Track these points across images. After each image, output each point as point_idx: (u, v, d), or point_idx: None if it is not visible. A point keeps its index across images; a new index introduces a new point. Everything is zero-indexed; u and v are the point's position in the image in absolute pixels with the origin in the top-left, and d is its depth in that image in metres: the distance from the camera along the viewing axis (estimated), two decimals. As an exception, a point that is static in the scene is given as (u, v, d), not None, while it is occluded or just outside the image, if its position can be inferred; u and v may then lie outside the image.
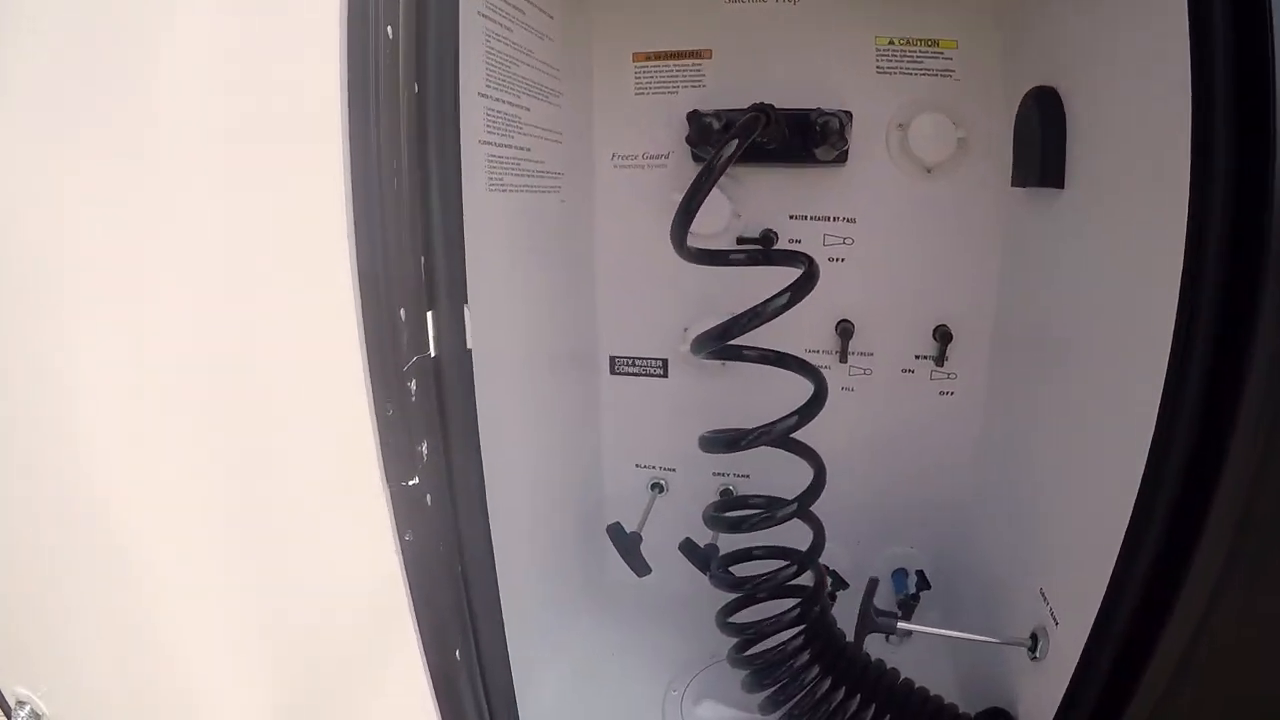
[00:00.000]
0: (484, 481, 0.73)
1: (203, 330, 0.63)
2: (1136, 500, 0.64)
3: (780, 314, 0.86)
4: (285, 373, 0.63)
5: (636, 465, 1.28)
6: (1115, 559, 0.67)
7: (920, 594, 1.17)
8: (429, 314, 0.64)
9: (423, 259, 0.62)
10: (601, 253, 1.20)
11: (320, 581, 0.70)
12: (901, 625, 0.92)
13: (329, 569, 0.69)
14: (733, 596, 1.00)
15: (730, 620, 0.99)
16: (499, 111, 0.88)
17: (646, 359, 1.23)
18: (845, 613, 0.99)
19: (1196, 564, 0.62)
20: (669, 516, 1.21)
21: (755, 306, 0.86)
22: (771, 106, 0.95)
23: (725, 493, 1.23)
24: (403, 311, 0.60)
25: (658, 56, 1.12)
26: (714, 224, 1.11)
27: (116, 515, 0.74)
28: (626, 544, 1.10)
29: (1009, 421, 1.07)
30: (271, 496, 0.68)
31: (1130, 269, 0.70)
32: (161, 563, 0.74)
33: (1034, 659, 0.88)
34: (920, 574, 1.19)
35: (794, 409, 0.91)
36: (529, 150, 0.95)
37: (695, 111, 1.06)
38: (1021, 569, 0.99)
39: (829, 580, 1.17)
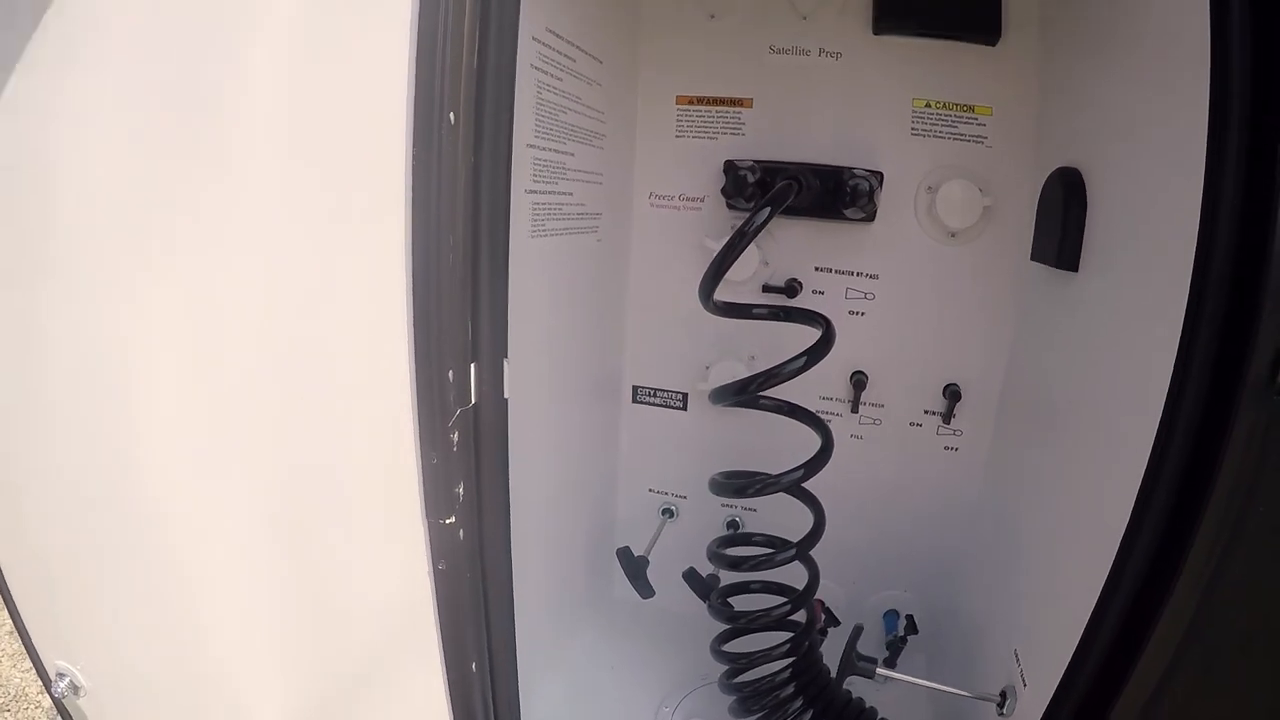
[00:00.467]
0: (509, 515, 0.79)
1: (276, 362, 0.70)
2: (1105, 583, 0.69)
3: (798, 375, 0.91)
4: (348, 414, 0.69)
5: (650, 490, 1.33)
6: (1081, 634, 0.72)
7: (908, 637, 1.21)
8: (472, 366, 0.71)
9: (469, 319, 0.69)
10: (634, 287, 1.24)
11: (356, 592, 0.77)
12: (880, 672, 0.97)
13: (366, 584, 0.77)
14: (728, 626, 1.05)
15: (723, 649, 1.04)
16: (545, 160, 0.92)
17: (668, 391, 1.27)
18: (836, 647, 1.04)
19: (1148, 655, 0.67)
20: (677, 542, 1.26)
21: (774, 367, 0.91)
22: (802, 177, 0.99)
23: (732, 524, 1.28)
24: (451, 373, 0.67)
25: (700, 101, 1.15)
26: (742, 272, 1.15)
27: (166, 507, 0.81)
28: (634, 568, 1.15)
29: (1005, 483, 1.10)
30: (320, 513, 0.75)
31: (1127, 359, 0.74)
32: (208, 558, 0.81)
33: (1001, 715, 0.92)
34: (910, 619, 1.23)
35: (801, 462, 0.96)
36: (571, 195, 1.00)
37: (731, 162, 1.10)
38: (1001, 627, 1.04)
39: (822, 617, 1.22)
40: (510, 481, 0.90)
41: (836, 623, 1.22)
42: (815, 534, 1.01)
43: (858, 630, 1.01)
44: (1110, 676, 0.71)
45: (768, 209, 0.88)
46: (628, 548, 1.17)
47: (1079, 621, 0.72)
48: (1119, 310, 0.78)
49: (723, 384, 0.93)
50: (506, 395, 0.75)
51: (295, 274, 0.67)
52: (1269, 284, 0.57)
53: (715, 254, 0.88)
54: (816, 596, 1.26)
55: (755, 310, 0.97)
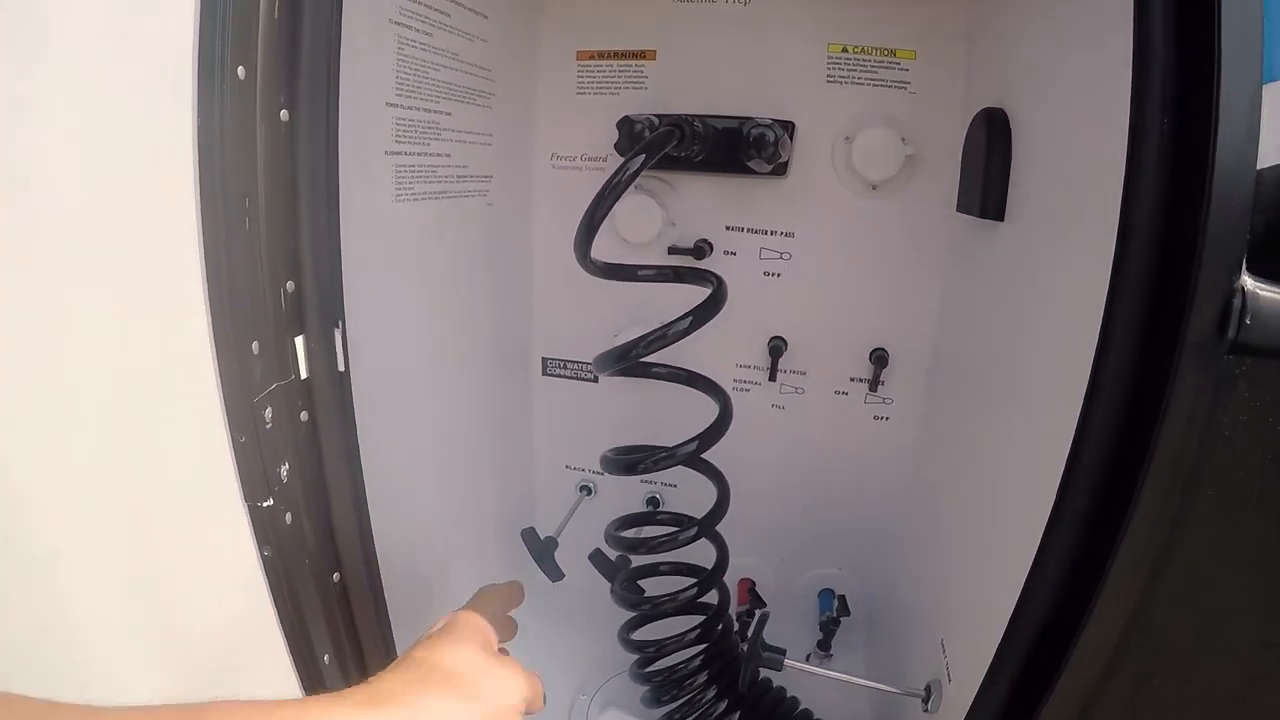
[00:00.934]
0: (364, 500, 0.75)
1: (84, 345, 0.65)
2: (1031, 567, 0.62)
3: (684, 337, 0.84)
4: (162, 394, 0.64)
5: (567, 467, 1.27)
6: (1005, 624, 0.65)
7: (840, 619, 1.16)
8: (298, 339, 0.66)
9: (290, 286, 0.64)
10: (539, 254, 1.18)
11: (191, 582, 0.72)
12: (789, 663, 0.91)
13: (199, 572, 0.71)
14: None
15: (632, 637, 0.99)
16: (410, 120, 0.86)
17: (578, 363, 1.21)
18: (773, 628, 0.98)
19: (1080, 650, 0.60)
20: (597, 520, 1.19)
21: (658, 329, 0.84)
22: (690, 121, 0.92)
23: (653, 501, 1.22)
24: (255, 344, 0.62)
25: (601, 56, 1.09)
26: (645, 232, 1.08)
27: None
28: (540, 549, 1.10)
29: (936, 454, 1.04)
30: (152, 498, 0.70)
31: (1058, 310, 0.67)
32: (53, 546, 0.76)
33: (926, 711, 0.86)
34: (842, 599, 1.18)
35: (697, 433, 0.89)
36: (449, 156, 0.93)
37: (626, 118, 1.03)
38: (930, 613, 0.98)
39: (749, 599, 1.17)
40: (399, 459, 0.88)
41: (762, 604, 1.17)
42: (719, 509, 0.95)
43: (763, 618, 0.95)
44: (1039, 675, 0.64)
45: (641, 156, 0.81)
46: (533, 529, 1.12)
47: (1004, 609, 0.65)
48: (1047, 261, 0.71)
49: (604, 352, 0.86)
50: (342, 368, 0.70)
51: (84, 251, 0.62)
52: (1210, 222, 0.49)
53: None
54: (745, 576, 1.21)
55: (641, 272, 0.91)
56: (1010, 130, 0.82)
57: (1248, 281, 0.50)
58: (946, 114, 1.00)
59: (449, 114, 0.93)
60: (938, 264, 1.05)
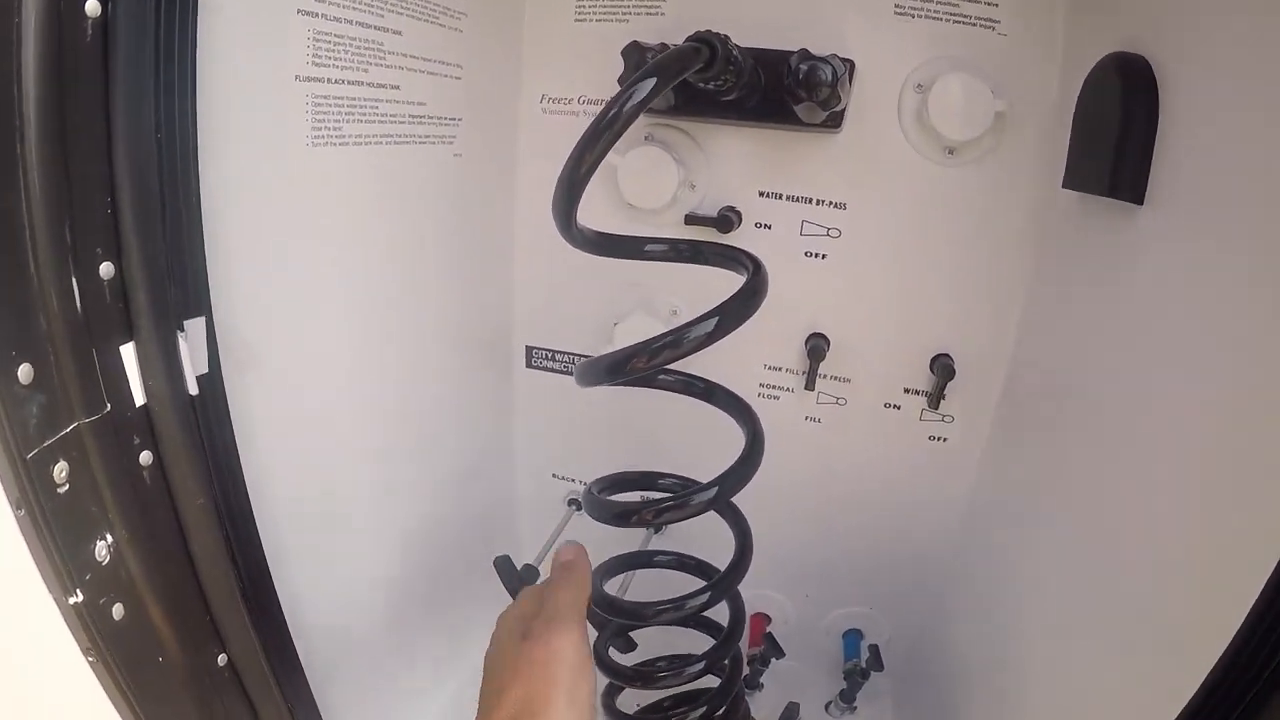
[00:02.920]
0: (255, 556, 0.58)
1: None
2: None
3: (706, 345, 0.61)
4: None
5: (554, 476, 1.08)
6: None
7: (870, 671, 0.98)
8: (126, 347, 0.47)
9: (106, 269, 0.45)
10: (522, 219, 0.97)
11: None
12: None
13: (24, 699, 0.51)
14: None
15: (617, 707, 0.79)
16: (338, 35, 0.64)
17: (570, 354, 1.01)
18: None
19: None
20: (589, 538, 1.00)
21: (671, 333, 0.61)
22: (724, 39, 0.69)
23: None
24: (24, 369, 0.41)
25: (607, -32, 0.86)
26: (657, 196, 0.87)
27: None
28: (515, 583, 0.90)
29: (1008, 489, 0.85)
30: None
31: (1222, 333, 0.50)
32: None
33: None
34: (874, 649, 1.00)
35: (719, 474, 0.68)
36: (398, 88, 0.71)
37: (635, 43, 0.79)
38: (988, 675, 0.82)
39: (764, 643, 0.99)
40: (318, 488, 0.72)
41: (780, 653, 0.98)
42: (738, 568, 0.74)
43: (791, 711, 0.75)
44: None
45: (652, 80, 0.57)
46: (507, 557, 0.91)
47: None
48: (1211, 268, 0.52)
49: (589, 360, 0.64)
50: (193, 390, 0.50)
51: None
52: None
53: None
54: (759, 612, 1.03)
55: (648, 247, 0.69)
56: (1156, 85, 0.62)
57: None
58: (1048, 61, 0.80)
59: (398, 32, 0.71)
60: (1028, 254, 0.84)
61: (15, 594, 0.45)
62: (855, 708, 1.02)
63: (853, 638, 1.05)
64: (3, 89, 0.37)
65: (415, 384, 0.85)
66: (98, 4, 0.40)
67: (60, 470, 0.43)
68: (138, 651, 0.50)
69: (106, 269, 0.44)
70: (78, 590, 0.45)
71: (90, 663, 0.47)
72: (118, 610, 0.48)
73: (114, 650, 0.48)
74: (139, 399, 0.48)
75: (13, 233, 0.39)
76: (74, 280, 0.43)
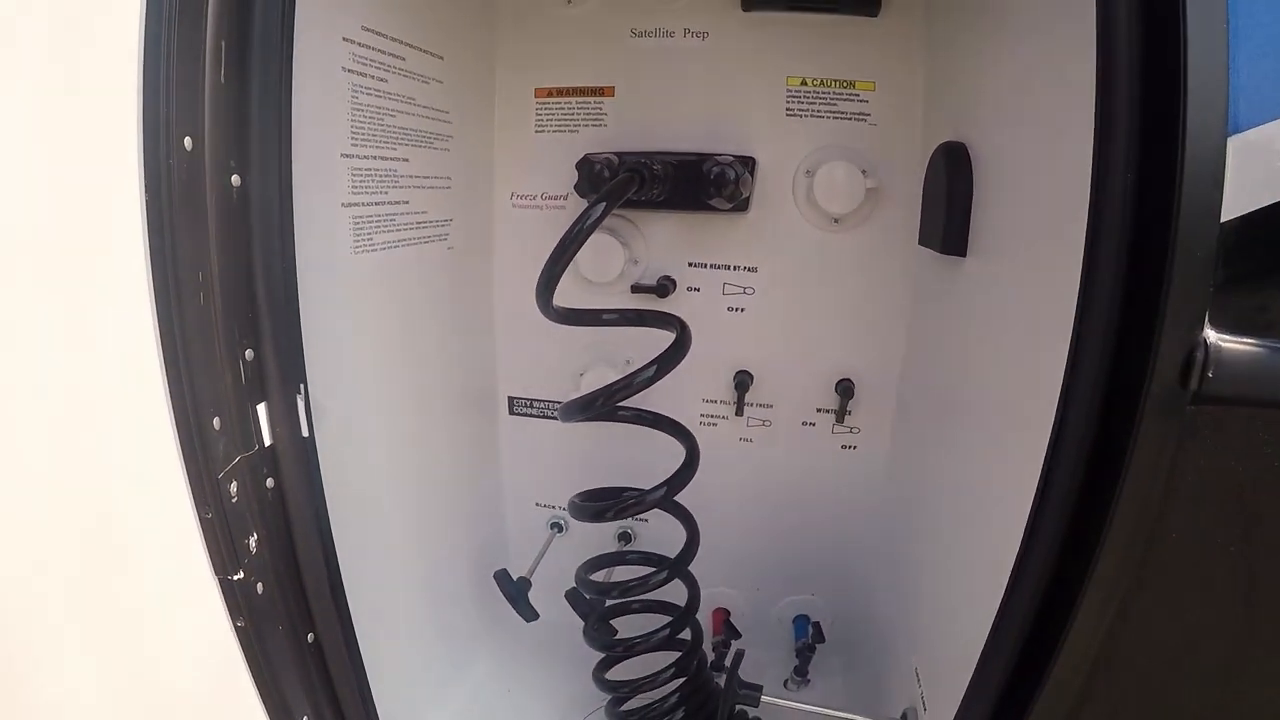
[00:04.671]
0: (334, 559, 0.74)
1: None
2: (1003, 597, 0.62)
3: (650, 385, 0.84)
4: (131, 473, 0.63)
5: (537, 504, 1.26)
6: (979, 655, 0.66)
7: (815, 645, 1.16)
8: (260, 406, 0.66)
9: (249, 354, 0.64)
10: (500, 293, 1.17)
11: (171, 658, 0.71)
12: (765, 699, 0.91)
13: (177, 648, 0.70)
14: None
15: (606, 676, 0.98)
16: (367, 170, 0.84)
17: (544, 401, 1.20)
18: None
19: (1053, 681, 0.61)
20: (569, 556, 1.18)
21: (623, 378, 0.84)
22: (649, 165, 0.92)
23: (624, 536, 1.21)
24: (217, 420, 0.61)
25: (560, 93, 1.08)
26: (608, 271, 1.08)
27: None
28: (513, 591, 1.08)
29: (906, 482, 1.05)
30: (119, 575, 0.68)
31: (1023, 349, 0.68)
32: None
33: (902, 743, 0.87)
34: (816, 625, 1.18)
35: (665, 478, 0.89)
36: (408, 203, 0.92)
37: (586, 158, 1.02)
38: (904, 640, 0.98)
39: (724, 630, 1.17)
40: (367, 508, 0.87)
41: (737, 635, 1.17)
42: (688, 551, 0.94)
43: (738, 656, 0.95)
44: (1013, 706, 0.65)
45: (601, 205, 0.81)
46: (505, 570, 1.10)
47: (977, 639, 0.66)
48: (1010, 298, 0.72)
49: (570, 399, 0.86)
50: (306, 433, 0.69)
51: (38, 344, 0.60)
52: (1174, 272, 0.50)
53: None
54: (719, 607, 1.21)
55: (605, 316, 0.90)
56: (971, 165, 0.82)
57: (1210, 334, 0.51)
58: (907, 145, 1.01)
59: (406, 160, 0.91)
60: (902, 296, 1.05)
61: (186, 579, 0.63)
62: (810, 680, 1.15)
63: (801, 622, 1.21)
64: (199, 247, 0.58)
65: (427, 432, 1.03)
66: (239, 177, 0.61)
67: (233, 487, 0.62)
68: (269, 621, 0.68)
69: (249, 355, 0.64)
70: (240, 570, 0.63)
71: (239, 628, 0.65)
72: (259, 587, 0.66)
73: (255, 618, 0.66)
74: (268, 441, 0.66)
75: (208, 328, 0.59)
76: (240, 361, 0.63)
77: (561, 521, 1.24)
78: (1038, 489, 0.58)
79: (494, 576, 1.10)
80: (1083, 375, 0.55)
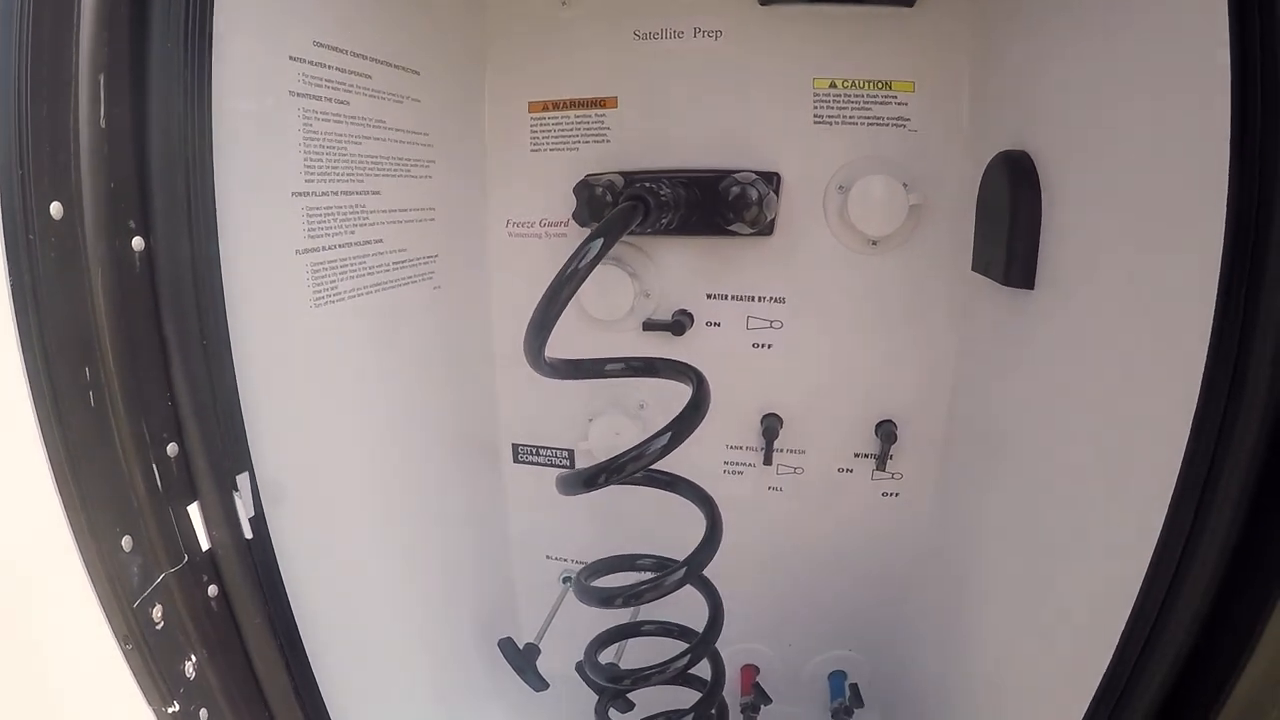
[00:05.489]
0: (304, 666, 0.66)
1: None
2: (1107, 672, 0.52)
3: (664, 455, 0.72)
4: (47, 612, 0.54)
5: (547, 557, 1.16)
6: None
7: (853, 709, 1.05)
8: (192, 507, 0.56)
9: (172, 449, 0.54)
10: (498, 332, 1.06)
11: None
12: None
13: None
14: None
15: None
16: (327, 208, 0.73)
17: (551, 449, 1.09)
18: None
19: None
20: (583, 611, 1.08)
21: (634, 450, 0.72)
22: (655, 191, 0.80)
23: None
24: (127, 540, 0.51)
25: (556, 106, 0.96)
26: (617, 308, 0.96)
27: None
28: (519, 661, 0.98)
29: (957, 531, 0.93)
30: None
31: (1114, 388, 0.57)
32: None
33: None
34: (854, 688, 1.07)
35: (687, 555, 0.78)
36: (380, 241, 0.81)
37: (585, 181, 0.90)
38: (954, 703, 0.89)
39: (753, 691, 1.07)
40: (349, 593, 0.79)
41: (767, 700, 1.06)
42: (712, 629, 0.84)
43: None
44: None
45: (600, 241, 0.69)
46: (510, 639, 1.00)
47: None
48: (1095, 337, 0.61)
49: (567, 472, 0.75)
50: (250, 533, 0.59)
51: None
52: None
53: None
54: (748, 664, 1.11)
55: (609, 367, 0.79)
56: (1038, 179, 0.70)
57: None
58: (954, 154, 0.89)
59: (377, 193, 0.80)
60: (951, 327, 0.93)
61: (116, 709, 0.54)
62: (844, 741, 1.08)
63: (837, 678, 1.11)
64: (83, 330, 0.47)
65: (420, 492, 0.93)
66: (140, 239, 0.50)
67: (157, 611, 0.53)
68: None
69: (172, 448, 0.54)
70: (175, 701, 0.54)
71: None
72: (203, 714, 0.57)
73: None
74: (204, 545, 0.57)
75: (106, 434, 0.49)
76: (154, 463, 0.52)
77: (573, 575, 1.13)
78: (1158, 551, 0.49)
79: (498, 645, 1.00)
80: (1246, 416, 0.43)
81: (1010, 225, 0.72)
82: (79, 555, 0.49)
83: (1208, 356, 0.44)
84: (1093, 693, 0.54)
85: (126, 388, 0.50)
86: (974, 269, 0.84)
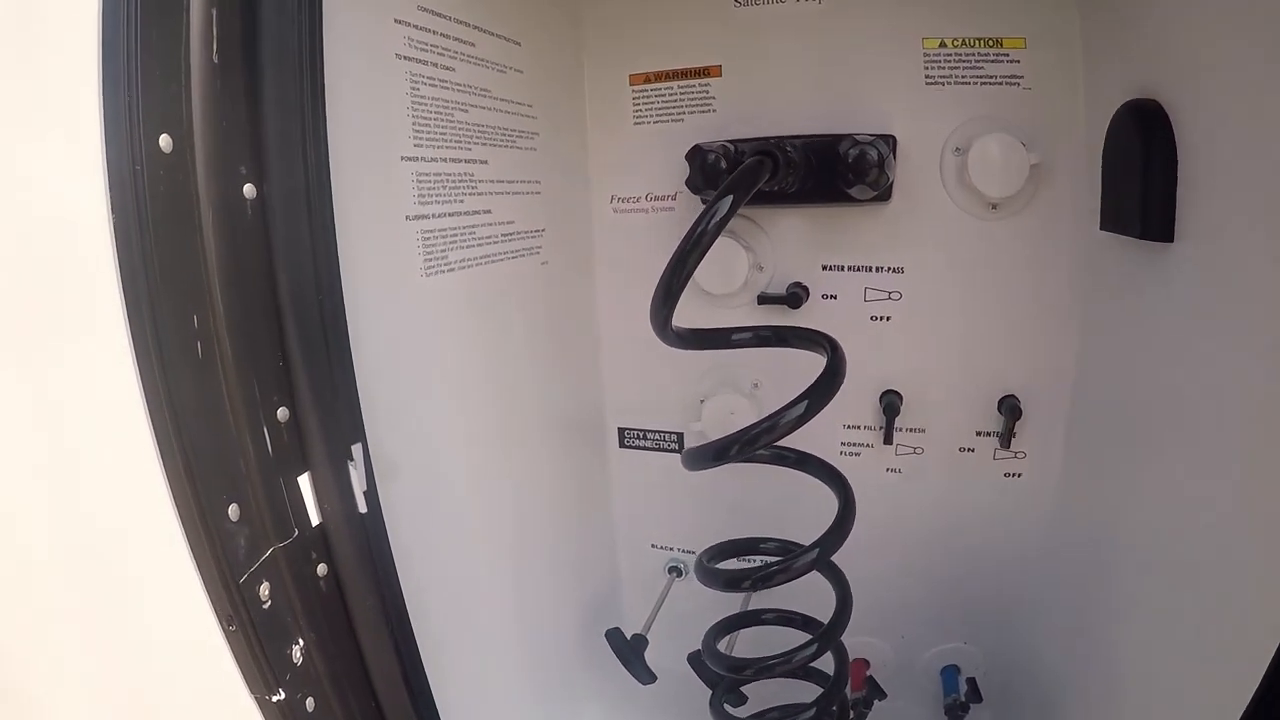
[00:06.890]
0: (413, 654, 0.63)
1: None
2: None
3: (800, 426, 0.68)
4: (142, 588, 0.51)
5: (653, 546, 1.12)
6: None
7: (970, 705, 0.99)
8: (303, 478, 0.54)
9: (282, 413, 0.52)
10: (605, 313, 1.03)
11: None
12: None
13: None
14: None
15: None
16: (436, 175, 0.71)
17: (659, 433, 1.06)
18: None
19: None
20: (691, 603, 1.04)
21: (765, 421, 0.68)
22: (781, 147, 0.76)
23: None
24: (234, 509, 0.48)
25: (658, 77, 0.93)
26: (729, 282, 0.93)
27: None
28: (626, 652, 0.95)
29: (1086, 516, 0.87)
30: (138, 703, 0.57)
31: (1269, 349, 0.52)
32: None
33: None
34: (971, 682, 1.02)
35: (819, 537, 0.74)
36: (489, 212, 0.79)
37: (697, 147, 0.87)
38: (1080, 701, 0.83)
39: (865, 685, 1.02)
40: (452, 578, 0.76)
41: (882, 694, 1.01)
42: (840, 618, 0.79)
43: None
44: None
45: (729, 198, 0.65)
46: (618, 629, 0.97)
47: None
48: (1244, 288, 0.55)
49: (696, 445, 0.71)
50: (364, 507, 0.56)
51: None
52: None
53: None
54: (859, 657, 1.06)
55: (735, 337, 0.76)
56: (1171, 127, 0.66)
57: None
58: (1072, 110, 0.84)
59: (485, 162, 0.78)
60: (1078, 294, 0.87)
61: (217, 697, 0.51)
62: (958, 739, 1.03)
63: (950, 673, 1.05)
64: (193, 273, 0.45)
65: (526, 475, 0.90)
66: (253, 186, 0.48)
67: (264, 589, 0.50)
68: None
69: (283, 413, 0.51)
70: (280, 689, 0.51)
71: None
72: (309, 704, 0.54)
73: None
74: (315, 519, 0.54)
75: (214, 388, 0.47)
76: (265, 427, 0.50)
77: (681, 565, 1.10)
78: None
79: (605, 635, 0.97)
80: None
81: (1143, 177, 0.67)
82: (179, 523, 0.46)
83: None
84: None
85: (237, 341, 0.47)
86: (1103, 227, 0.78)
